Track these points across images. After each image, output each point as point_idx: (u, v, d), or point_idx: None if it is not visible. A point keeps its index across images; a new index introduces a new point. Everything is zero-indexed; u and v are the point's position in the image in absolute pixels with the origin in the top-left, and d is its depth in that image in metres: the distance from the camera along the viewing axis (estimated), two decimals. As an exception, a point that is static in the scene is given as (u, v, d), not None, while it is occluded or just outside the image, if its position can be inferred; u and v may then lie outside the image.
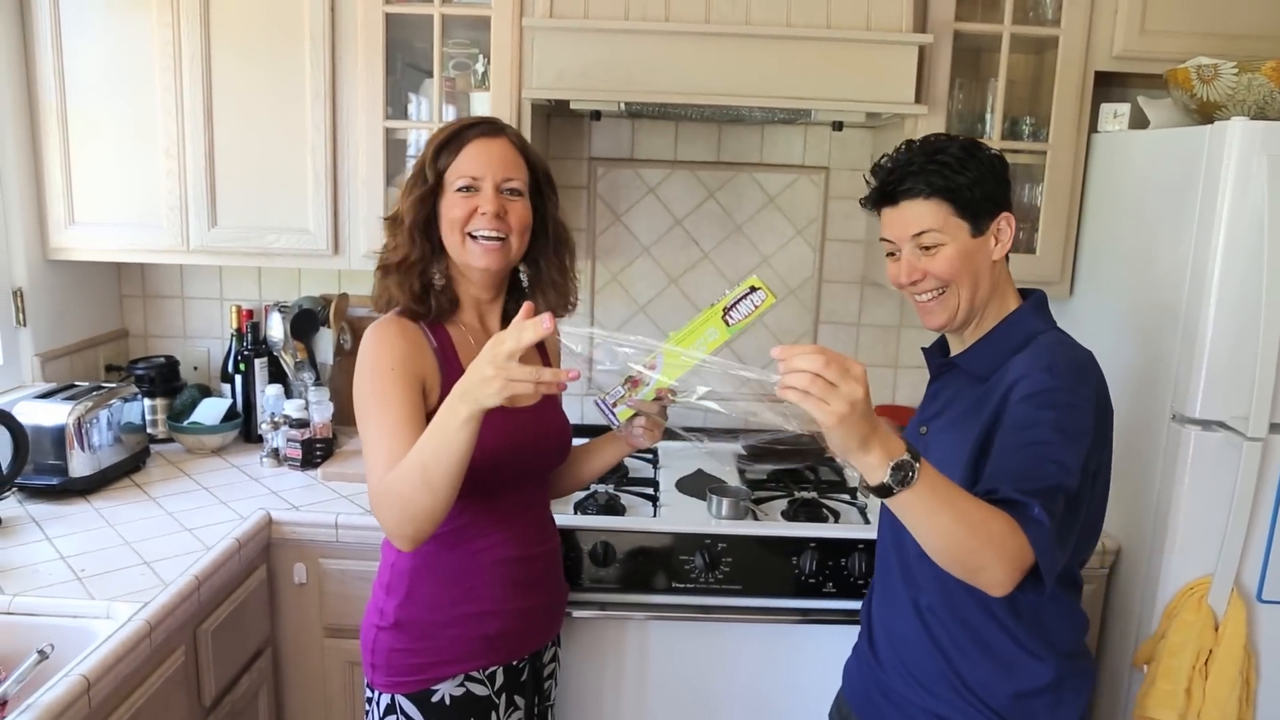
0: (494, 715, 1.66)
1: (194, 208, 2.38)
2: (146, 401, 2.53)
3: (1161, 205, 2.05)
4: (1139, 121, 2.30)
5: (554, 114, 2.62)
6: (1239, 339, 1.86)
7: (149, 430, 2.53)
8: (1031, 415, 1.36)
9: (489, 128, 1.62)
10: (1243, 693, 1.91)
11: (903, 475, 1.14)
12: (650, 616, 2.10)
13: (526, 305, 1.34)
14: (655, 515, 2.20)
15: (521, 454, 1.63)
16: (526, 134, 2.30)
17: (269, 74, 2.33)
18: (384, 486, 1.45)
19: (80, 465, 2.17)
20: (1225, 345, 1.87)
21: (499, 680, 1.67)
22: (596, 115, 2.46)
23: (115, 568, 1.83)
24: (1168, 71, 2.09)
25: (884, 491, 1.16)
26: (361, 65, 2.30)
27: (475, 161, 1.58)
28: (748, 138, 2.69)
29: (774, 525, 2.15)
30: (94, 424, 2.20)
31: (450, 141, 1.59)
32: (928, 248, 1.46)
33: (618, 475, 2.40)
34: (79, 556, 1.87)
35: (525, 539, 1.69)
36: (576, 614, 2.08)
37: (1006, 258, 1.52)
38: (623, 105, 2.24)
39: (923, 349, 1.69)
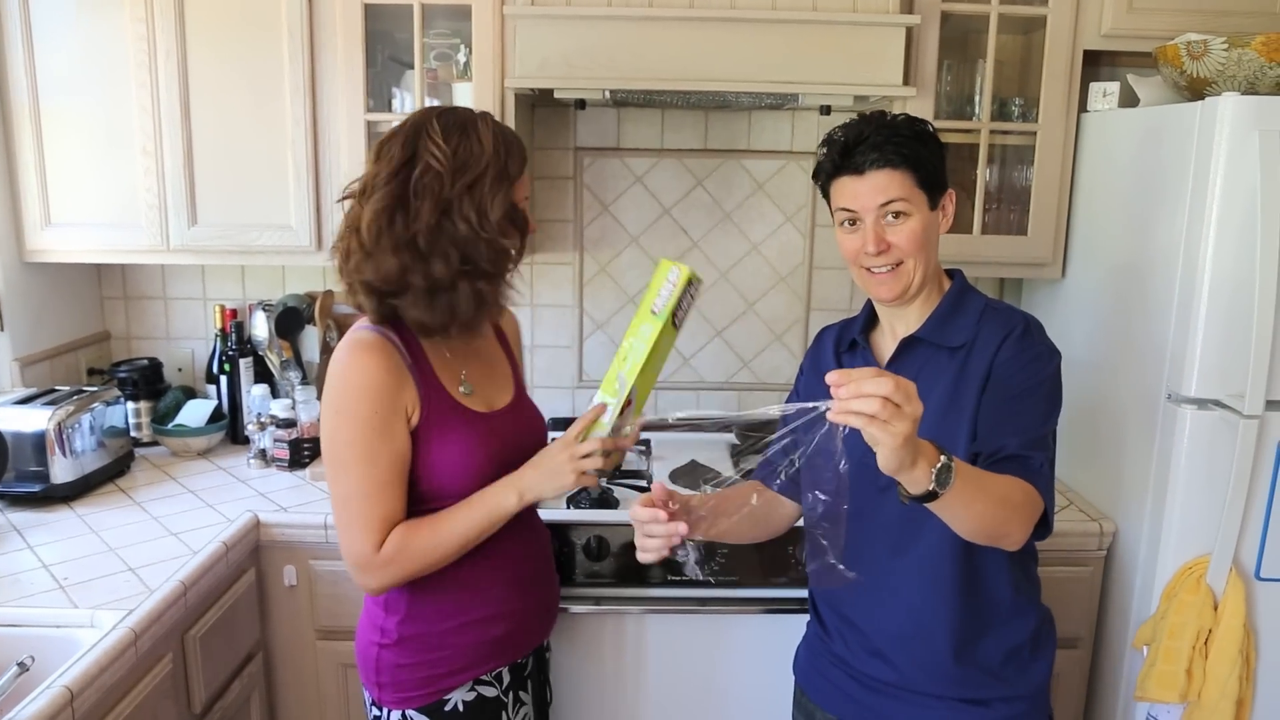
0: (504, 715, 1.65)
1: (173, 206, 2.34)
2: (130, 404, 2.50)
3: (1153, 183, 2.03)
4: (1129, 100, 2.28)
5: (538, 104, 2.59)
6: (1233, 316, 1.84)
7: (133, 434, 2.50)
8: (1020, 371, 1.46)
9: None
10: (1243, 671, 1.90)
11: (945, 478, 1.19)
12: (646, 610, 2.09)
13: (596, 409, 1.47)
14: (649, 508, 2.17)
15: (515, 450, 1.60)
16: (511, 124, 2.27)
17: (246, 69, 2.29)
18: (399, 554, 1.47)
19: (62, 471, 2.13)
20: (1220, 323, 1.86)
21: (506, 679, 1.65)
22: (581, 104, 2.42)
23: (99, 575, 1.80)
24: (1157, 49, 2.06)
25: (929, 498, 1.20)
26: (341, 58, 2.26)
27: (527, 174, 1.56)
28: (735, 124, 2.66)
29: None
30: (76, 429, 2.16)
31: (520, 151, 1.53)
32: (895, 216, 1.47)
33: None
34: (62, 564, 1.84)
35: (522, 536, 1.67)
36: (572, 609, 2.06)
37: None
38: (607, 93, 2.21)
39: (834, 340, 1.68)
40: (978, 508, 1.28)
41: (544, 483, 1.48)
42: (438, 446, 1.51)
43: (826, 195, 1.55)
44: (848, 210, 1.50)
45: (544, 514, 2.10)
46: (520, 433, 1.65)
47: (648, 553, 1.44)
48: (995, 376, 1.47)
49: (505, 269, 1.54)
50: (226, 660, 1.94)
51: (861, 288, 1.57)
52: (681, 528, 1.41)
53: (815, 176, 1.57)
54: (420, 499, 1.53)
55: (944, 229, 1.55)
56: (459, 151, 1.46)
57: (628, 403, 1.48)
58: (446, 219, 1.45)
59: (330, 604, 2.10)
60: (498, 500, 1.49)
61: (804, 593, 2.05)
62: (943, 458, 1.18)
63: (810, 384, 1.68)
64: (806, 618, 1.76)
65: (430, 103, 2.34)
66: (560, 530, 2.06)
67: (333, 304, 2.67)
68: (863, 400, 1.09)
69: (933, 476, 1.17)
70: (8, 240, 2.36)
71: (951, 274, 1.61)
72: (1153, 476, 2.00)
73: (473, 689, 1.60)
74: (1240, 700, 1.91)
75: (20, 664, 1.42)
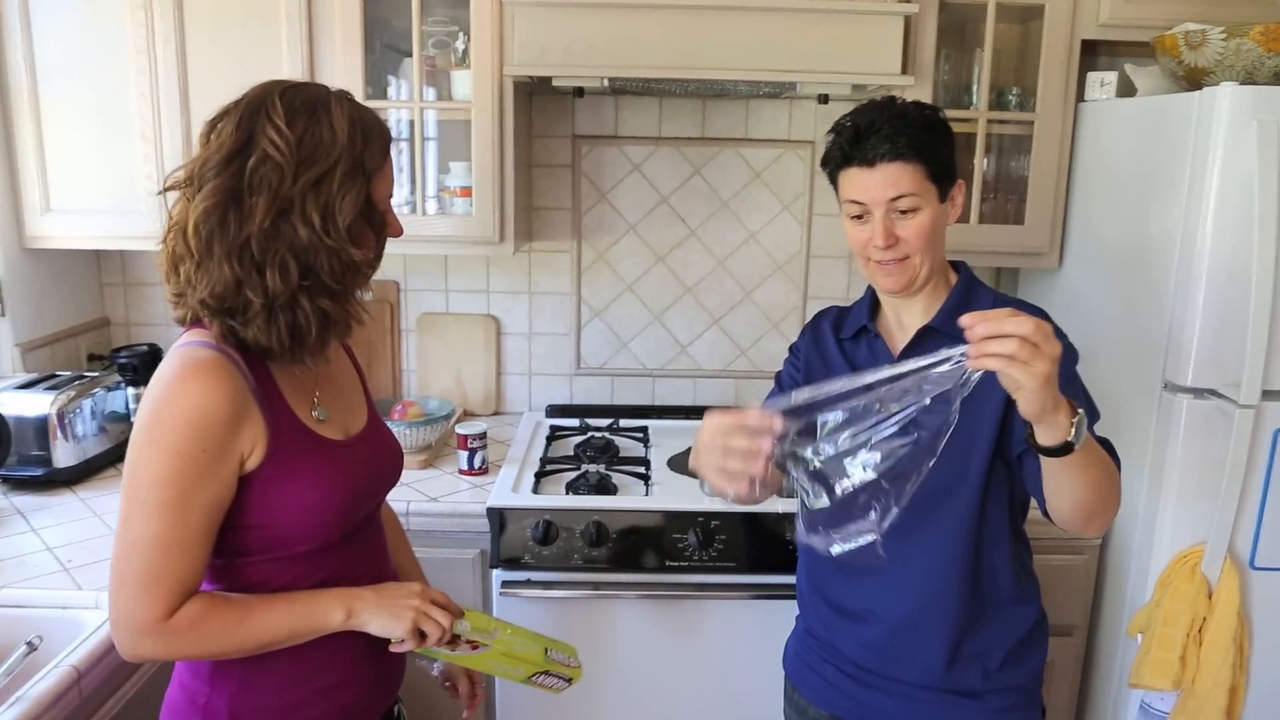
0: None
1: (172, 193, 2.33)
2: (130, 390, 2.50)
3: (1151, 173, 2.04)
4: (1126, 90, 2.29)
5: (536, 91, 2.59)
6: (1230, 305, 1.85)
7: (133, 419, 2.50)
8: (1064, 369, 1.43)
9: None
10: (1236, 659, 1.92)
11: (1082, 430, 1.20)
12: (642, 595, 2.10)
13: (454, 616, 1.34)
14: (647, 494, 2.19)
15: (373, 482, 1.41)
16: (509, 113, 2.28)
17: (245, 55, 2.29)
18: (192, 630, 1.20)
19: (64, 455, 2.14)
20: (1216, 312, 1.87)
21: None
22: (579, 92, 2.42)
23: (103, 557, 1.80)
24: (1155, 38, 2.07)
25: (1065, 449, 1.21)
26: (340, 45, 2.26)
27: (390, 166, 1.33)
28: (733, 113, 2.66)
29: (767, 501, 2.13)
30: (77, 414, 2.17)
31: (382, 139, 1.30)
32: (904, 211, 1.44)
33: (609, 455, 2.39)
34: (66, 547, 1.85)
35: (378, 580, 1.41)
36: (568, 594, 2.07)
37: None
38: (606, 81, 2.21)
39: (832, 326, 1.66)
40: (1096, 471, 1.29)
41: (379, 616, 1.28)
42: (290, 484, 1.26)
43: (834, 183, 1.52)
44: (857, 203, 1.47)
45: (542, 500, 2.12)
46: (378, 462, 1.43)
47: (728, 476, 1.27)
48: None
49: (354, 284, 1.29)
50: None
51: (866, 277, 1.56)
52: (776, 429, 1.25)
53: (824, 164, 1.52)
54: (250, 549, 1.28)
55: (952, 219, 1.52)
56: (305, 139, 1.21)
57: (475, 645, 1.42)
58: (284, 221, 1.20)
59: (330, 589, 2.11)
60: (323, 612, 1.26)
61: (793, 579, 2.07)
62: (1079, 410, 1.20)
63: (811, 363, 1.65)
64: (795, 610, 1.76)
65: (429, 92, 2.35)
66: (559, 515, 2.08)
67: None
68: (1001, 341, 1.11)
69: (1072, 425, 1.19)
70: (8, 226, 2.36)
71: (956, 265, 1.60)
72: (1149, 465, 2.02)
73: None
74: (1234, 688, 1.92)
75: (29, 643, 1.44)
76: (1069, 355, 1.49)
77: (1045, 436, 1.21)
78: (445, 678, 1.62)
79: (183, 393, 1.19)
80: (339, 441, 1.35)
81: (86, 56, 2.29)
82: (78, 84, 2.31)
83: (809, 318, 2.70)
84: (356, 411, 1.43)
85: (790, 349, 1.74)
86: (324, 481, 1.29)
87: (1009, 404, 1.45)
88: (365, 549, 1.41)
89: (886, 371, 1.23)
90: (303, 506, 1.27)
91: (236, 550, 1.27)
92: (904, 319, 1.58)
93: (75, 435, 2.16)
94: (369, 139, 1.26)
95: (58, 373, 2.33)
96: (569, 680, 1.50)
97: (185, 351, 1.22)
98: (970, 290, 1.56)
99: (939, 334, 1.53)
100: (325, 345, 1.28)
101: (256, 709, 1.30)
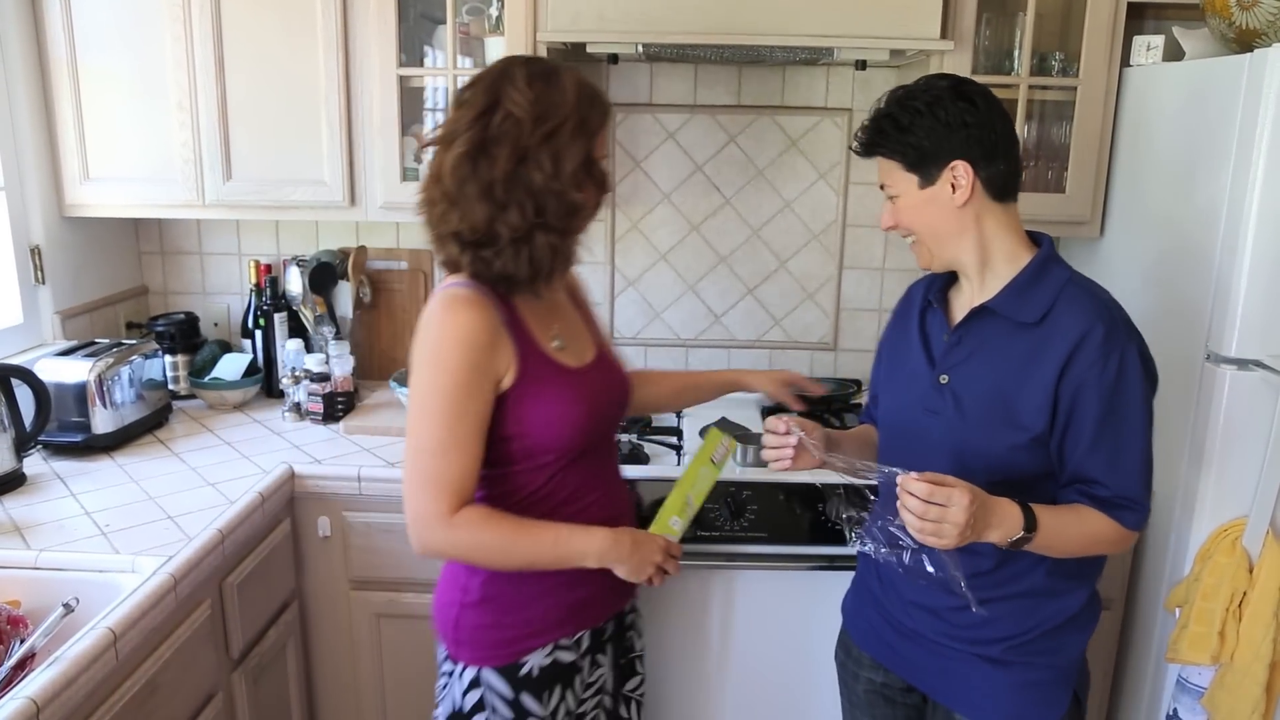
0: (578, 679, 1.62)
1: (208, 161, 2.35)
2: (168, 358, 2.53)
3: (1197, 139, 1.99)
4: (1174, 54, 2.22)
5: (570, 58, 2.56)
6: (1276, 275, 1.80)
7: (171, 387, 2.54)
8: (1101, 387, 1.45)
9: None
10: (1277, 634, 1.88)
11: (1018, 543, 1.41)
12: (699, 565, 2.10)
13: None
14: (679, 464, 2.18)
15: (606, 407, 1.61)
16: (542, 79, 2.26)
17: (280, 22, 2.29)
18: (470, 532, 1.46)
19: (102, 422, 2.17)
20: (1262, 282, 1.81)
21: (585, 644, 1.63)
22: (614, 58, 2.39)
23: (139, 522, 1.83)
24: (1204, -1, 2.01)
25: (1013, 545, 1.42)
26: (374, 11, 2.26)
27: (607, 131, 1.56)
28: (769, 80, 2.62)
29: (799, 472, 2.11)
30: (115, 381, 2.20)
31: (603, 105, 1.52)
32: (891, 198, 1.53)
33: (641, 424, 2.39)
34: (103, 512, 1.88)
35: (612, 498, 1.65)
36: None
37: (1016, 199, 1.52)
38: (640, 48, 2.19)
39: (921, 295, 1.67)
40: (1057, 551, 1.47)
41: (624, 567, 1.54)
42: (537, 401, 1.49)
43: None
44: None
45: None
46: (610, 389, 1.64)
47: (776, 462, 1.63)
48: (1072, 383, 1.44)
49: (576, 225, 1.50)
50: (263, 608, 1.98)
51: None
52: (791, 440, 1.61)
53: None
54: (513, 458, 1.52)
55: (959, 200, 1.47)
56: (540, 99, 1.43)
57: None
58: (522, 167, 1.42)
59: (363, 555, 2.14)
60: (580, 554, 1.51)
61: (832, 550, 2.07)
62: (1020, 534, 1.39)
63: (895, 330, 1.71)
64: (837, 574, 1.80)
65: (462, 60, 2.33)
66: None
67: (365, 259, 2.69)
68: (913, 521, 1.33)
69: (1006, 545, 1.40)
70: (48, 194, 2.39)
71: (1039, 239, 1.55)
72: (1189, 437, 1.98)
73: (551, 653, 1.57)
74: (1274, 664, 1.88)
75: (66, 605, 1.46)
76: (1129, 369, 1.46)
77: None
78: None
79: (451, 322, 1.44)
80: (575, 368, 1.57)
81: (124, 26, 2.31)
82: (116, 54, 2.33)
83: (845, 287, 2.72)
84: (586, 345, 1.65)
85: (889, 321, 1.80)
86: (564, 400, 1.51)
87: (1054, 403, 1.45)
88: (600, 469, 1.63)
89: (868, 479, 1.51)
90: (549, 420, 1.50)
91: (500, 460, 1.51)
92: (969, 293, 1.57)
93: (113, 402, 2.19)
94: (593, 104, 1.48)
95: (96, 340, 2.36)
96: (731, 448, 1.77)
97: (447, 292, 1.48)
98: (1043, 270, 1.50)
99: (993, 314, 1.51)
100: (555, 276, 1.52)
101: (500, 593, 1.55)
